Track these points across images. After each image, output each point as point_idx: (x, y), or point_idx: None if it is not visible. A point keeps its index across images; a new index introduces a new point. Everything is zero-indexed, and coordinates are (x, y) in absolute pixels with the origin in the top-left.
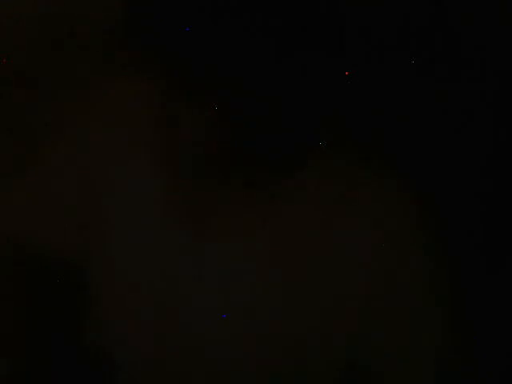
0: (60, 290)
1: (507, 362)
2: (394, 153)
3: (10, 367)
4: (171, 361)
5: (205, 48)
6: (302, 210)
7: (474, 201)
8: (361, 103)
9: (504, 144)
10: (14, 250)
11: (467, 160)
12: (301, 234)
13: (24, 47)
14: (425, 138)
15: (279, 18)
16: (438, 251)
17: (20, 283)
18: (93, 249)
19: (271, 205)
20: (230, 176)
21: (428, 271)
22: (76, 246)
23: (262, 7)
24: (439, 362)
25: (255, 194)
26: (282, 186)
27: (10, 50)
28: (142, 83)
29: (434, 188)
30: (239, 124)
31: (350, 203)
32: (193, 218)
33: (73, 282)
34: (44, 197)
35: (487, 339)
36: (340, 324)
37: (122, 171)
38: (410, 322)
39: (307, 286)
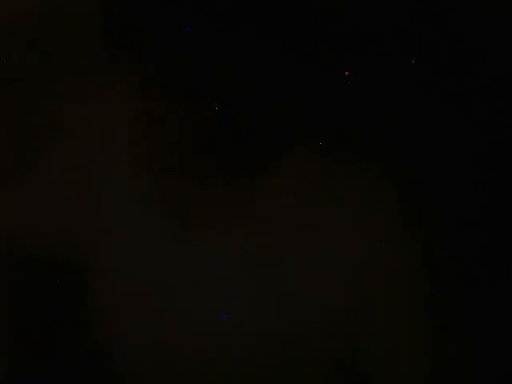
0: (60, 289)
1: (506, 363)
2: (393, 152)
3: (10, 367)
4: (171, 361)
5: (204, 48)
6: (300, 209)
7: (474, 200)
8: (361, 103)
9: (504, 144)
10: (13, 250)
11: (468, 160)
12: (295, 231)
13: (24, 47)
14: (424, 138)
15: (279, 18)
16: (437, 251)
17: (20, 283)
18: (92, 249)
19: (263, 202)
20: (218, 173)
21: (428, 271)
22: (76, 246)
23: (262, 7)
24: (438, 362)
25: (248, 191)
26: (277, 184)
27: (9, 50)
28: (142, 83)
29: (435, 187)
30: (238, 122)
31: (348, 203)
32: (193, 219)
33: (73, 282)
34: (41, 196)
35: (487, 340)
36: (339, 324)
37: (122, 171)
38: (409, 323)
39: (301, 282)
